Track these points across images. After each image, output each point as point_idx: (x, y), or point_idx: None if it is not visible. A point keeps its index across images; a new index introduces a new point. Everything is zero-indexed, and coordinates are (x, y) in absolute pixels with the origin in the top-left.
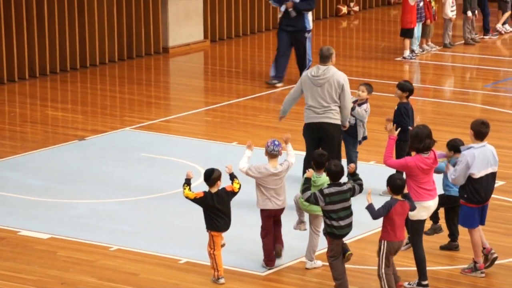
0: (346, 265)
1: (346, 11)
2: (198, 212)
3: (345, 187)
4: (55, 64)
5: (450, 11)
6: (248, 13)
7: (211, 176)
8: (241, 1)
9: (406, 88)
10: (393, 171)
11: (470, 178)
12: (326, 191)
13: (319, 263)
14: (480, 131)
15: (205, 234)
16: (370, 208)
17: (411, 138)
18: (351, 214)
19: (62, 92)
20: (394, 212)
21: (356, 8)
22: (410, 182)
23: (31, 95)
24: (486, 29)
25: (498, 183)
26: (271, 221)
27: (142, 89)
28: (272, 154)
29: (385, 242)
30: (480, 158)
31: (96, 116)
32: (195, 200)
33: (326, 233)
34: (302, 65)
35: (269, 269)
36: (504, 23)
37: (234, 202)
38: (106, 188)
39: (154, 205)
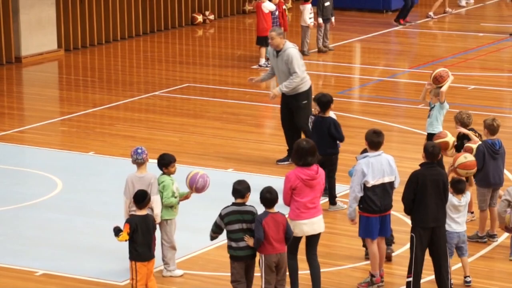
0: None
1: (201, 20)
2: (52, 223)
3: (245, 208)
4: None
5: (309, 18)
6: (102, 22)
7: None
8: (95, 10)
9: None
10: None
11: (364, 187)
12: (223, 211)
13: (177, 272)
14: (372, 140)
15: (61, 245)
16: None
17: (293, 152)
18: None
19: None
20: (266, 225)
21: (212, 17)
22: (293, 199)
23: None
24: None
25: None
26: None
27: None
28: (137, 163)
29: (262, 256)
30: (375, 166)
31: None
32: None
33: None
34: None
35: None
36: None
37: (93, 214)
38: None
39: (8, 217)
